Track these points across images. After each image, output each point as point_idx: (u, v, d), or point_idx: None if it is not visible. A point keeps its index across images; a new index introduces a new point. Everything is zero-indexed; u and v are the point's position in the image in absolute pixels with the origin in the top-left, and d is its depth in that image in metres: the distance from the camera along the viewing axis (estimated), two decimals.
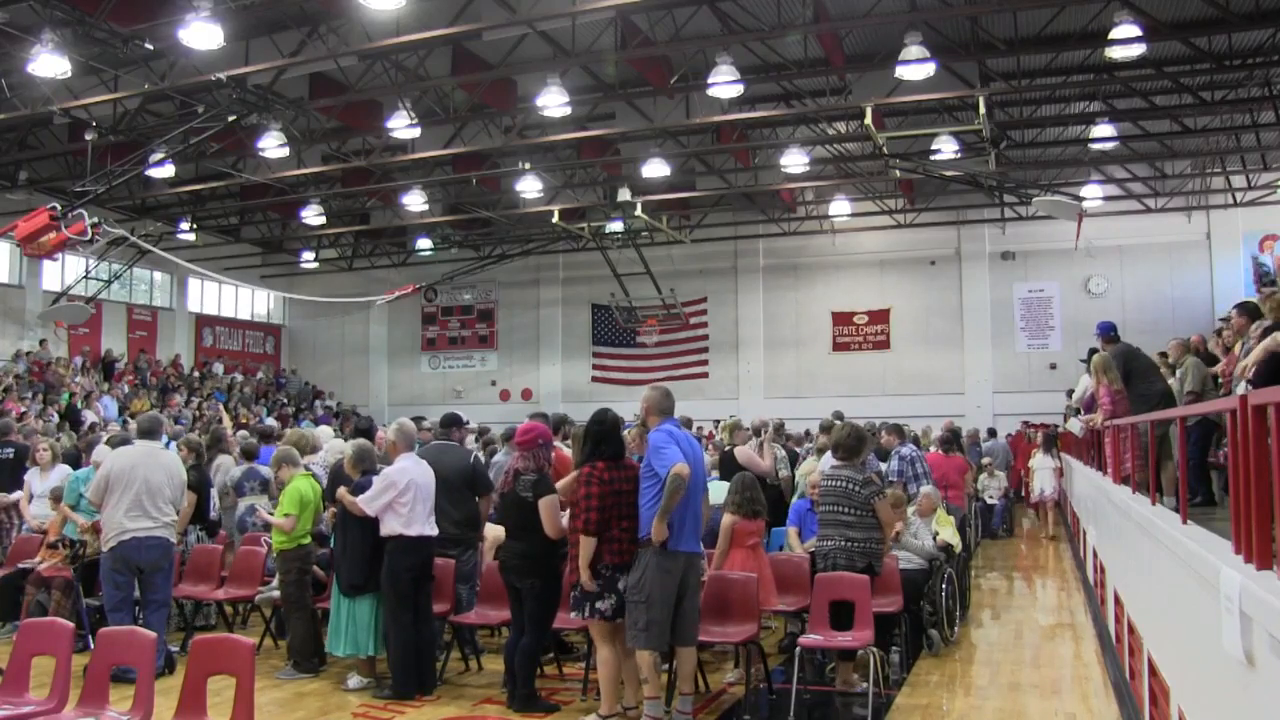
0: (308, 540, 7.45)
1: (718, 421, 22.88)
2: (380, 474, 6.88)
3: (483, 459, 8.94)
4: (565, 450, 7.87)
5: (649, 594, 5.68)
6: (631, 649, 5.85)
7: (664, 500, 5.62)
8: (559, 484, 6.38)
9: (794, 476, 9.92)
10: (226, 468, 9.61)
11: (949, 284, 25.59)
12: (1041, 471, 17.05)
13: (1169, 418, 5.73)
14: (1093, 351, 10.96)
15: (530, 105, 16.25)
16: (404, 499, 6.69)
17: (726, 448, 9.80)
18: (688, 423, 10.77)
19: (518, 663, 6.29)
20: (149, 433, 7.52)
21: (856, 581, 6.39)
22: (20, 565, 8.51)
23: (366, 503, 6.71)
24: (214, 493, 9.43)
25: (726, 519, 7.20)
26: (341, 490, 6.97)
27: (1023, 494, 19.56)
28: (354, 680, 6.92)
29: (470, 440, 10.29)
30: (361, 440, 7.69)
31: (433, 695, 6.68)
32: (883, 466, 9.72)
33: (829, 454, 7.51)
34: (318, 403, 28.85)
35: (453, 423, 8.25)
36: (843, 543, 6.55)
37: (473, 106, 17.29)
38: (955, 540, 8.88)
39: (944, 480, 10.82)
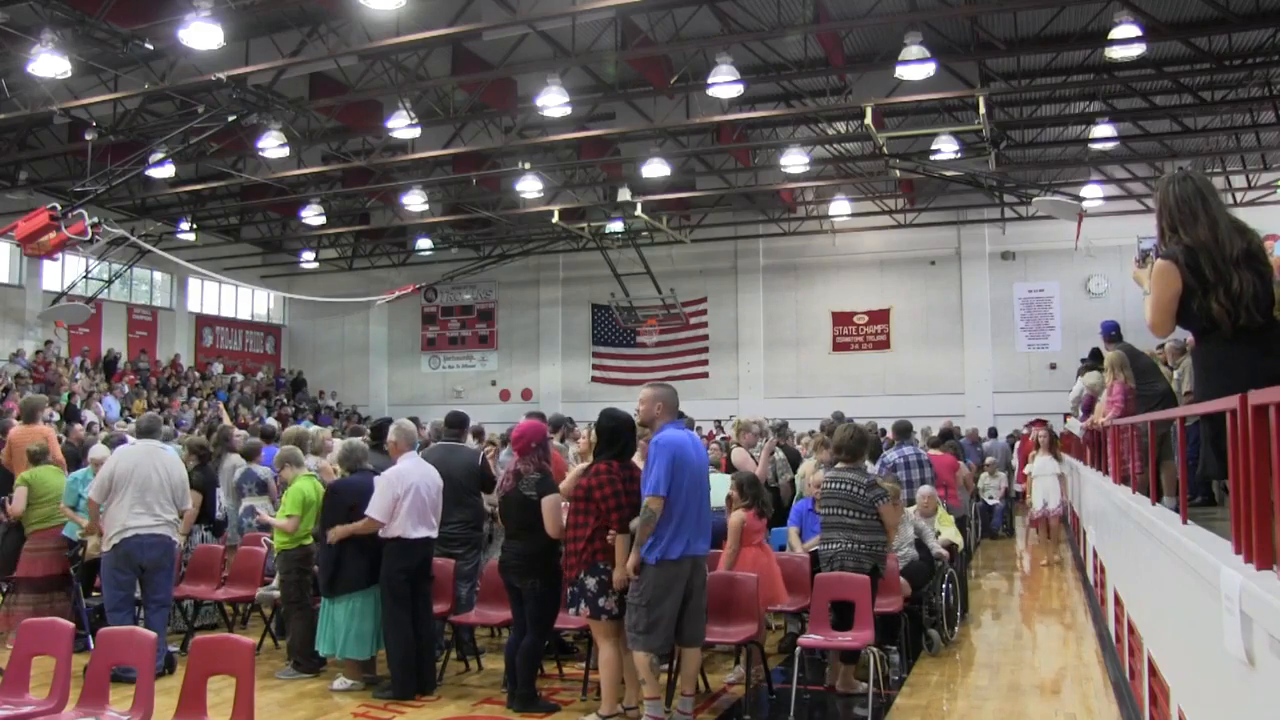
0: (309, 540, 7.44)
1: (719, 421, 22.98)
2: (380, 477, 6.86)
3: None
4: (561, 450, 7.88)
5: (649, 598, 5.67)
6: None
7: (638, 533, 5.65)
8: (562, 484, 6.37)
9: (794, 480, 9.89)
10: (239, 468, 9.57)
11: (949, 284, 25.59)
12: (1043, 479, 13.65)
13: (1169, 418, 5.72)
14: (1094, 352, 10.97)
15: (530, 105, 16.25)
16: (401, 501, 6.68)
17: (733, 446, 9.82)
18: (690, 423, 10.78)
19: (518, 663, 6.29)
20: (148, 432, 7.54)
21: (857, 582, 6.38)
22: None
23: (380, 514, 6.64)
24: (219, 493, 9.42)
25: (735, 517, 7.19)
26: (337, 529, 6.78)
27: (1026, 502, 18.65)
28: (339, 682, 6.91)
29: (469, 440, 10.27)
30: (352, 440, 7.66)
31: (433, 695, 6.68)
32: (872, 468, 9.68)
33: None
34: (318, 401, 28.82)
35: (460, 423, 8.24)
36: (849, 545, 6.52)
37: (473, 106, 17.30)
38: (958, 539, 8.88)
39: (938, 479, 10.74)
